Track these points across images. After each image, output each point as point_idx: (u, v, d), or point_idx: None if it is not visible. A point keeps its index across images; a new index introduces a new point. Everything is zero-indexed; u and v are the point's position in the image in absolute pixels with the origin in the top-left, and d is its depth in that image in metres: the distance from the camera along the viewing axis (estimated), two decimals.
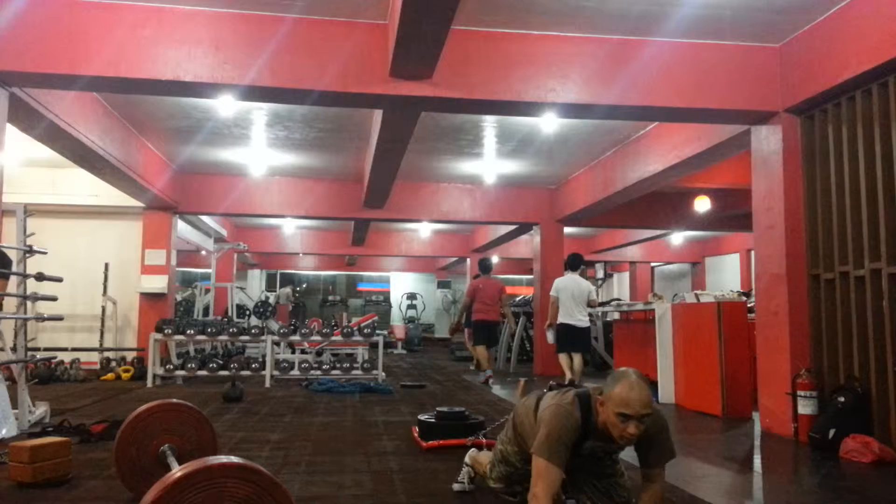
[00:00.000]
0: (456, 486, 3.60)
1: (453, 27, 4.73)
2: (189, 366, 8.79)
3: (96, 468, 4.04)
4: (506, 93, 5.66)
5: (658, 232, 15.64)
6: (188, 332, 9.02)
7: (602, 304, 10.63)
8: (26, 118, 5.98)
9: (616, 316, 10.32)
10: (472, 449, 3.75)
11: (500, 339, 11.93)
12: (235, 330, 9.29)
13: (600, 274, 22.04)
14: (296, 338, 9.41)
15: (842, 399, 4.94)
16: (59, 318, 6.17)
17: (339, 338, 9.20)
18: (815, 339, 5.47)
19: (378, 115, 6.72)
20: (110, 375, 9.40)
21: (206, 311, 13.21)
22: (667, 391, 7.24)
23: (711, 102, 5.83)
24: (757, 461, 4.83)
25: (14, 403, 5.29)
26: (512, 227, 13.29)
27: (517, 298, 14.57)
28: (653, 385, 7.12)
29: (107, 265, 10.51)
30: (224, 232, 14.96)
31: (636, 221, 12.82)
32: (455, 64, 5.48)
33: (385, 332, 15.95)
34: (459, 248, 18.02)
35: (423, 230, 16.78)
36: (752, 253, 7.21)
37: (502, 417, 4.77)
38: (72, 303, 9.83)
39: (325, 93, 5.53)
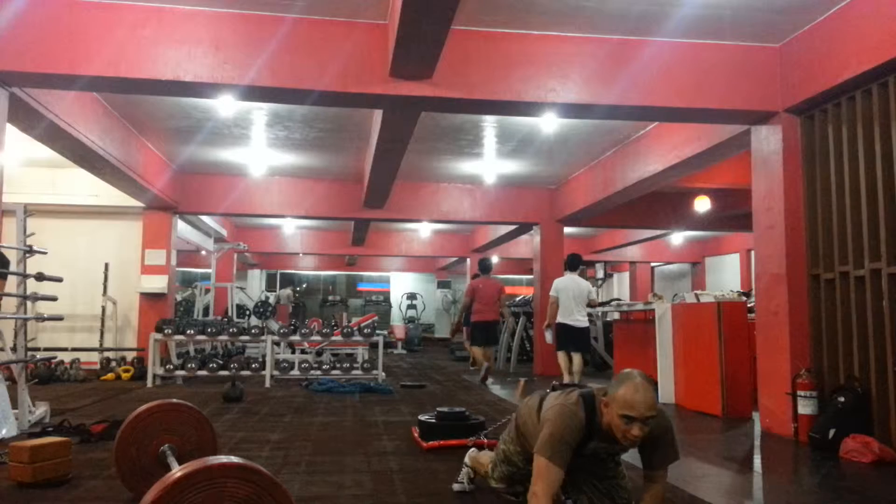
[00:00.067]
0: (456, 487, 3.60)
1: (453, 27, 4.73)
2: (189, 366, 8.79)
3: (96, 468, 4.04)
4: (506, 93, 5.66)
5: (658, 232, 15.64)
6: (188, 332, 9.02)
7: (602, 304, 10.63)
8: (26, 118, 5.98)
9: (616, 316, 10.32)
10: (472, 449, 3.75)
11: (499, 338, 11.93)
12: (235, 330, 9.30)
13: (600, 274, 22.04)
14: (296, 338, 9.41)
15: (842, 399, 4.94)
16: (59, 318, 6.18)
17: (339, 338, 9.20)
18: (815, 339, 5.47)
19: (378, 115, 6.72)
20: (110, 375, 9.40)
21: (206, 311, 13.22)
22: (667, 391, 7.24)
23: (711, 102, 5.83)
24: (757, 461, 4.83)
25: (14, 403, 5.29)
26: (512, 227, 13.29)
27: (517, 298, 14.57)
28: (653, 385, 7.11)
29: (107, 265, 10.51)
30: (224, 232, 14.97)
31: (636, 221, 12.82)
32: (455, 64, 5.48)
33: (385, 332, 15.95)
34: (459, 248, 18.02)
35: (423, 230, 16.78)
36: (752, 253, 7.21)
37: (502, 418, 4.78)
38: (72, 303, 9.83)
39: (325, 93, 5.53)
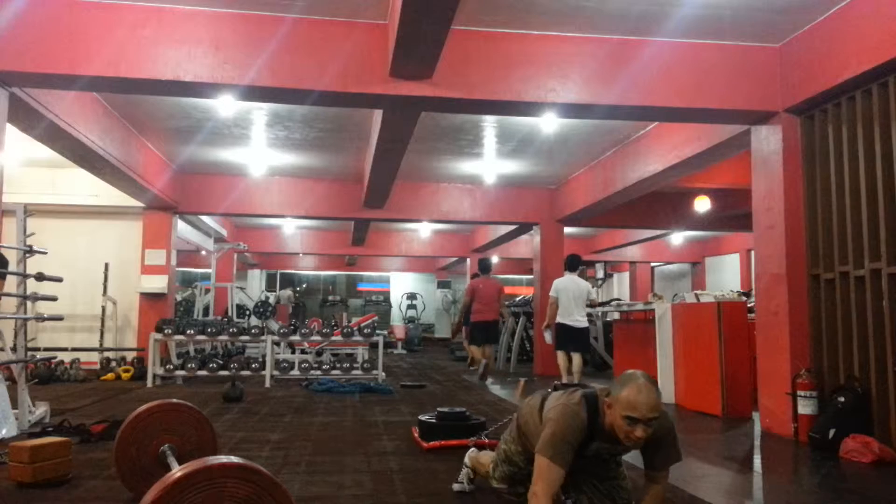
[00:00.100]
0: (456, 487, 3.60)
1: (453, 27, 4.73)
2: (189, 366, 8.79)
3: (96, 468, 4.04)
4: (506, 93, 5.66)
5: (658, 232, 15.64)
6: (188, 332, 9.02)
7: (602, 304, 10.64)
8: (26, 118, 5.98)
9: (616, 316, 10.32)
10: (472, 449, 3.74)
11: (500, 338, 11.93)
12: (235, 330, 9.30)
13: (600, 274, 22.04)
14: (296, 338, 9.41)
15: (842, 399, 4.94)
16: (59, 318, 6.17)
17: (339, 338, 9.20)
18: (815, 339, 5.47)
19: (378, 115, 6.72)
20: (110, 375, 9.40)
21: (206, 311, 13.21)
22: (667, 391, 7.23)
23: (711, 102, 5.83)
24: (757, 461, 4.83)
25: (14, 403, 5.29)
26: (512, 227, 13.29)
27: (517, 298, 14.57)
28: None
29: (107, 265, 10.51)
30: (224, 232, 14.97)
31: (636, 221, 12.82)
32: (455, 64, 5.48)
33: (385, 332, 15.95)
34: (459, 248, 18.02)
35: (423, 230, 16.78)
36: (752, 253, 7.21)
37: (503, 418, 4.78)
38: (72, 303, 9.83)
39: (325, 93, 5.53)
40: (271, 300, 13.77)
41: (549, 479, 2.55)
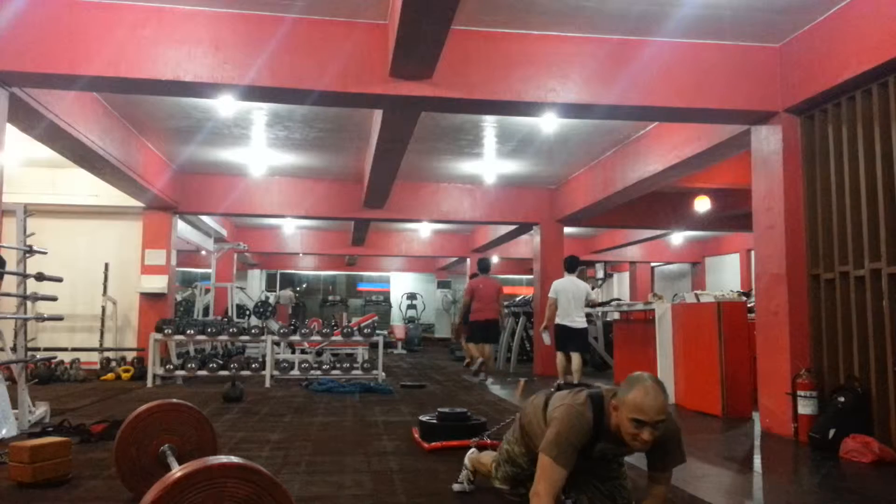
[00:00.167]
0: (456, 487, 3.60)
1: (453, 27, 4.73)
2: (189, 366, 8.79)
3: (96, 468, 4.04)
4: (506, 93, 5.66)
5: (658, 232, 15.64)
6: (188, 332, 9.02)
7: (602, 304, 10.64)
8: (26, 118, 5.98)
9: (616, 316, 10.32)
10: (472, 449, 3.74)
11: (500, 337, 11.93)
12: (235, 330, 9.30)
13: (600, 274, 22.04)
14: (296, 338, 9.41)
15: (842, 399, 4.94)
16: (59, 318, 6.18)
17: (339, 338, 9.21)
18: (815, 339, 5.47)
19: (378, 115, 6.72)
20: (110, 375, 9.40)
21: (206, 311, 13.21)
22: (667, 391, 7.23)
23: (711, 102, 5.83)
24: (757, 461, 4.83)
25: (14, 403, 5.29)
26: (512, 227, 13.29)
27: (517, 298, 14.57)
28: None
29: (107, 265, 10.51)
30: (224, 232, 14.97)
31: (636, 221, 12.81)
32: (455, 64, 5.48)
33: (385, 332, 15.95)
34: (459, 248, 18.02)
35: (423, 230, 16.78)
36: (752, 253, 7.21)
37: (504, 418, 4.78)
38: (72, 303, 9.83)
39: (325, 93, 5.53)
40: (271, 300, 13.78)
41: (551, 479, 2.54)
